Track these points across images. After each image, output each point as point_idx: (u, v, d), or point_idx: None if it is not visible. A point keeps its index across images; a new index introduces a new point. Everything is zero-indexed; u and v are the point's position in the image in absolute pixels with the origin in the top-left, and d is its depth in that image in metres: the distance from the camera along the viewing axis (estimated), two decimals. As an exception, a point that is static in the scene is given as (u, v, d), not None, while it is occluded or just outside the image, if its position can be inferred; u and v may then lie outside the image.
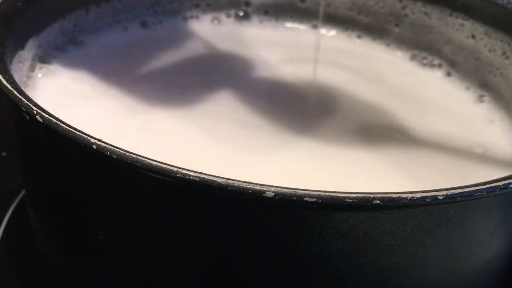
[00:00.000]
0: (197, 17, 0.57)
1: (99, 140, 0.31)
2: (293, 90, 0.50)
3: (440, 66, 0.54)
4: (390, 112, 0.48)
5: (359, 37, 0.58)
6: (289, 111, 0.47)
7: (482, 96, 0.51)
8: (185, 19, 0.57)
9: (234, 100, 0.47)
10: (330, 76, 0.52)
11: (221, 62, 0.53)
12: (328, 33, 0.58)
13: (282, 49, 0.56)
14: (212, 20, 0.57)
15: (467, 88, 0.52)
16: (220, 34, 0.56)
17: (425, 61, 0.55)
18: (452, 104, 0.50)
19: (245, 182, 0.29)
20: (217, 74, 0.51)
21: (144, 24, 0.54)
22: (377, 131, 0.46)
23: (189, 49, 0.53)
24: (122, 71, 0.48)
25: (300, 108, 0.48)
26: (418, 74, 0.54)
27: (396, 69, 0.54)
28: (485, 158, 0.44)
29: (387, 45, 0.57)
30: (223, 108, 0.46)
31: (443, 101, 0.51)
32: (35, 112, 0.33)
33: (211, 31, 0.56)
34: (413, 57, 0.56)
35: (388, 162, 0.42)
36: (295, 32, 0.59)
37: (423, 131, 0.46)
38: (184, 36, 0.55)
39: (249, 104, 0.46)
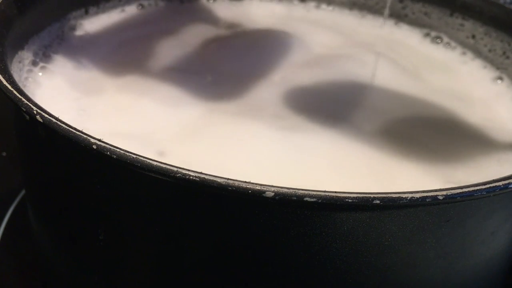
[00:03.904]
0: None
1: (99, 140, 0.31)
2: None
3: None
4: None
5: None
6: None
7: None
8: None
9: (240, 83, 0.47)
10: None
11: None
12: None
13: (279, 22, 0.56)
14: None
15: None
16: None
17: None
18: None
19: (245, 182, 0.29)
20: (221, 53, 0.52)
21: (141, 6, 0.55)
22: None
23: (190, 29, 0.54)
24: (124, 66, 0.48)
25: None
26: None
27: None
28: None
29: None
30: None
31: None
32: (35, 112, 0.33)
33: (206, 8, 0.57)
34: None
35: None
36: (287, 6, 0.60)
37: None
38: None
39: (262, 92, 0.46)
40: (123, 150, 0.30)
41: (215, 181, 0.29)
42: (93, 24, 0.52)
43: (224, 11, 0.57)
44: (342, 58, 0.52)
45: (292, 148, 0.40)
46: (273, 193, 0.29)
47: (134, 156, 0.30)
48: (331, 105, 0.45)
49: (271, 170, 0.38)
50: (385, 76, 0.50)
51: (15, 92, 0.34)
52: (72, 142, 0.31)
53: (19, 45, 0.44)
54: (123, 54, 0.50)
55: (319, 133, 0.42)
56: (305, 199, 0.29)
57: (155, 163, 0.30)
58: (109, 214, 0.35)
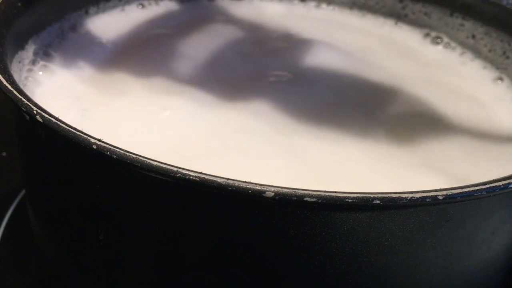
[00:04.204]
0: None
1: (99, 140, 0.31)
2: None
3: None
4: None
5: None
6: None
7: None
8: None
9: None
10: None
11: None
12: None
13: (280, 22, 0.56)
14: None
15: None
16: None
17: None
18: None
19: (245, 182, 0.29)
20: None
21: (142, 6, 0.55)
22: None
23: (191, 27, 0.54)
24: (125, 65, 0.48)
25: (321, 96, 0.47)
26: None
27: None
28: None
29: None
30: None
31: None
32: (35, 112, 0.33)
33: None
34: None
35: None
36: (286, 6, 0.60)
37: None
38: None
39: (268, 94, 0.46)
40: (123, 150, 0.30)
41: (215, 181, 0.29)
42: (93, 23, 0.52)
43: (224, 11, 0.57)
44: (345, 59, 0.52)
45: (297, 155, 0.40)
46: (273, 193, 0.29)
47: (134, 156, 0.30)
48: (335, 108, 0.45)
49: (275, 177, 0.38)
50: (386, 76, 0.50)
51: (15, 92, 0.34)
52: (72, 142, 0.31)
53: (19, 45, 0.44)
54: (124, 54, 0.50)
55: (328, 138, 0.42)
56: (305, 199, 0.29)
57: (155, 163, 0.30)
58: (109, 214, 0.35)
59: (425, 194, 0.30)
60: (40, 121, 0.32)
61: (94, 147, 0.31)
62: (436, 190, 0.30)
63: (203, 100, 0.44)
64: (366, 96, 0.47)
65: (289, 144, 0.41)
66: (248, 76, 0.48)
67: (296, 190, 0.29)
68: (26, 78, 0.44)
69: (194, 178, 0.29)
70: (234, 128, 0.42)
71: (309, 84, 0.48)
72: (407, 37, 0.56)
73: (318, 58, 0.51)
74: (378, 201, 0.29)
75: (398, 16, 0.57)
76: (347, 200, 0.29)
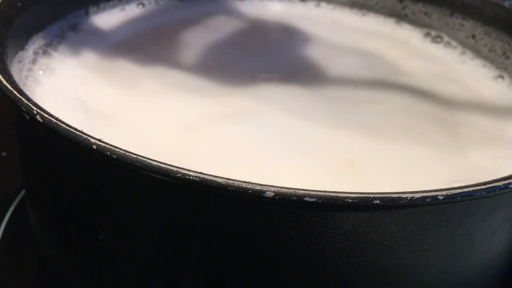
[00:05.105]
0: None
1: (99, 140, 0.31)
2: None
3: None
4: None
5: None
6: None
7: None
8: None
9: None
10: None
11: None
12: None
13: (281, 21, 0.57)
14: None
15: None
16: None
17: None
18: None
19: (245, 182, 0.29)
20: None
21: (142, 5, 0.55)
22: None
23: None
24: (126, 64, 0.48)
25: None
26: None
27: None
28: None
29: None
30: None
31: None
32: (35, 112, 0.33)
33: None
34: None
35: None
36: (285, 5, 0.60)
37: None
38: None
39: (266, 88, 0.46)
40: (123, 150, 0.30)
41: (215, 181, 0.29)
42: (93, 23, 0.52)
43: (224, 10, 0.58)
44: (347, 56, 0.52)
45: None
46: (273, 193, 0.29)
47: (134, 156, 0.30)
48: (336, 106, 0.45)
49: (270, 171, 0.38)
50: (388, 75, 0.50)
51: (15, 92, 0.34)
52: (72, 142, 0.31)
53: (19, 45, 0.44)
54: (125, 53, 0.50)
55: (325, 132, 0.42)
56: (305, 199, 0.29)
57: (155, 163, 0.30)
58: (109, 214, 0.35)
59: (425, 194, 0.30)
60: (40, 121, 0.32)
61: (94, 147, 0.31)
62: (436, 190, 0.30)
63: (207, 93, 0.45)
64: (372, 92, 0.47)
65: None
66: (247, 70, 0.48)
67: (296, 190, 0.29)
68: (26, 77, 0.44)
69: (194, 178, 0.29)
70: (236, 114, 0.42)
71: (308, 82, 0.48)
72: (407, 36, 0.56)
73: (314, 57, 0.51)
74: (378, 201, 0.29)
75: (398, 16, 0.57)
76: (347, 200, 0.29)
